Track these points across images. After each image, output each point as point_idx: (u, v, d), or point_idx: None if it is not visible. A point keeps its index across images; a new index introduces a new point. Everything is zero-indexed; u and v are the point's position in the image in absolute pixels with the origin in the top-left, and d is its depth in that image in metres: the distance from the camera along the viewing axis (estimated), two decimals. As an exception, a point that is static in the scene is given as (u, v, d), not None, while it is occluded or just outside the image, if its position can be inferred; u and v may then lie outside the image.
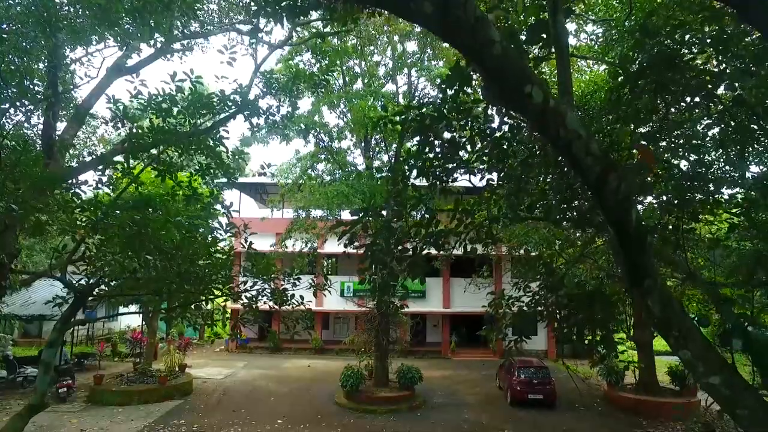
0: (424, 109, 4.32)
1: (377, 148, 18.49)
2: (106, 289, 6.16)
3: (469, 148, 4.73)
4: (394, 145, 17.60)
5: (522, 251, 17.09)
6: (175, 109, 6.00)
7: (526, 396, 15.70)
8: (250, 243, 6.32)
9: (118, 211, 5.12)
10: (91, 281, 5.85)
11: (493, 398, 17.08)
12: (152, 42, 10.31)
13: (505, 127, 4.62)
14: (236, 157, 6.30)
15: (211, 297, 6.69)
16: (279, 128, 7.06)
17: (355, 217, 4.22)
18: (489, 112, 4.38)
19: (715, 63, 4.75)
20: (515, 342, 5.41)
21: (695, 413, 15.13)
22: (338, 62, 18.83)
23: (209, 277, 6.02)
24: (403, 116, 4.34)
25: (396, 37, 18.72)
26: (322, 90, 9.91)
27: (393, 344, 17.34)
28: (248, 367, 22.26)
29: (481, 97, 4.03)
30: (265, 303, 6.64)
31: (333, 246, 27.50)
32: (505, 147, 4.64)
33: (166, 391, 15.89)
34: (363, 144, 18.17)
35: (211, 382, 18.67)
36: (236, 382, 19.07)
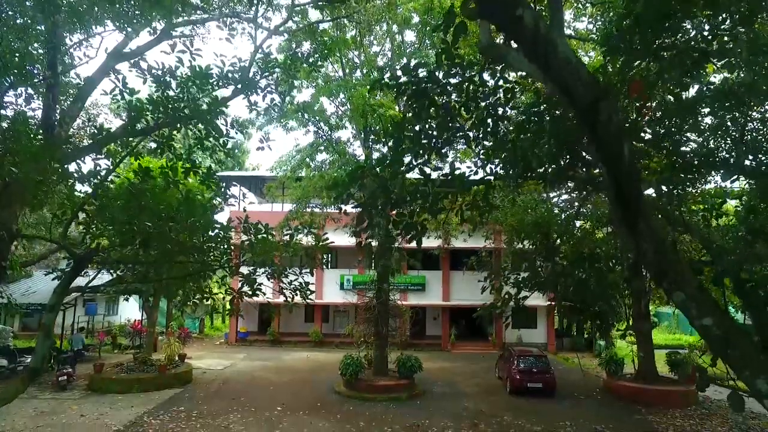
0: (420, 72, 4.33)
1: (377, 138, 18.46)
2: (105, 255, 6.14)
3: (464, 114, 4.75)
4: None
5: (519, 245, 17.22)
6: (174, 83, 6.03)
7: (525, 385, 15.72)
8: (247, 216, 6.28)
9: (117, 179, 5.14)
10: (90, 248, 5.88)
11: (493, 388, 17.11)
12: (151, 29, 10.34)
13: (500, 93, 4.65)
14: (235, 129, 6.29)
15: (210, 270, 6.68)
16: (277, 106, 7.05)
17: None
18: (483, 75, 4.40)
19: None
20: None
21: (694, 401, 15.20)
22: (337, 53, 18.90)
23: (208, 249, 6.01)
24: (399, 80, 4.36)
25: (395, 27, 18.76)
26: (321, 67, 9.84)
27: (393, 332, 17.36)
28: (248, 359, 22.33)
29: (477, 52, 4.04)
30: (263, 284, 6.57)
31: (333, 238, 27.60)
32: (500, 112, 4.66)
33: (166, 379, 15.93)
34: (362, 135, 18.18)
35: (210, 373, 18.72)
36: (236, 373, 19.12)
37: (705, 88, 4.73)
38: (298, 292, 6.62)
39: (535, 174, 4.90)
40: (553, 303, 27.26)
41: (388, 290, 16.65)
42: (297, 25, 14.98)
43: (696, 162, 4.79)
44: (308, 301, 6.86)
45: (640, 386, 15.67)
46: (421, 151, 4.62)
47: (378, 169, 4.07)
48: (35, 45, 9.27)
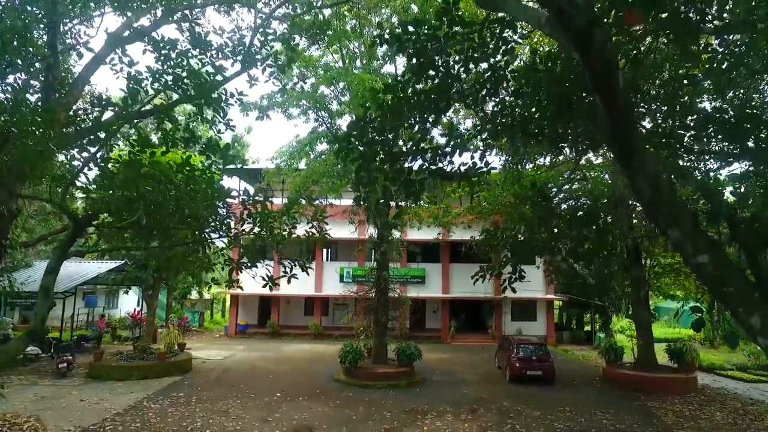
0: (422, 29, 4.32)
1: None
2: (103, 221, 6.15)
3: (464, 77, 4.76)
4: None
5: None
6: (173, 53, 6.03)
7: (524, 372, 15.74)
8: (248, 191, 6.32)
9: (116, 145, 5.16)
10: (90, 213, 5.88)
11: (492, 377, 17.13)
12: (152, 14, 10.35)
13: (498, 56, 4.65)
14: (235, 98, 6.27)
15: (209, 240, 6.68)
16: (277, 77, 7.05)
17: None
18: (483, 34, 4.41)
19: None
20: (511, 280, 5.37)
21: (693, 388, 15.22)
22: (337, 43, 18.91)
23: (207, 215, 6.00)
24: (400, 37, 4.36)
25: (395, 19, 18.74)
26: (321, 41, 9.80)
27: (392, 320, 17.37)
28: (247, 350, 22.36)
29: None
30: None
31: (333, 232, 27.62)
32: (499, 75, 4.67)
33: (166, 367, 15.95)
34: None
35: (210, 362, 18.76)
36: (235, 362, 19.15)
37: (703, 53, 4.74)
38: (296, 263, 6.57)
39: (534, 132, 4.89)
40: (554, 297, 27.41)
41: (387, 278, 16.67)
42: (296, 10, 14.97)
43: (694, 126, 4.79)
44: (307, 272, 6.80)
45: (639, 374, 15.68)
46: (420, 113, 4.63)
47: (378, 122, 4.08)
48: (35, 24, 9.27)
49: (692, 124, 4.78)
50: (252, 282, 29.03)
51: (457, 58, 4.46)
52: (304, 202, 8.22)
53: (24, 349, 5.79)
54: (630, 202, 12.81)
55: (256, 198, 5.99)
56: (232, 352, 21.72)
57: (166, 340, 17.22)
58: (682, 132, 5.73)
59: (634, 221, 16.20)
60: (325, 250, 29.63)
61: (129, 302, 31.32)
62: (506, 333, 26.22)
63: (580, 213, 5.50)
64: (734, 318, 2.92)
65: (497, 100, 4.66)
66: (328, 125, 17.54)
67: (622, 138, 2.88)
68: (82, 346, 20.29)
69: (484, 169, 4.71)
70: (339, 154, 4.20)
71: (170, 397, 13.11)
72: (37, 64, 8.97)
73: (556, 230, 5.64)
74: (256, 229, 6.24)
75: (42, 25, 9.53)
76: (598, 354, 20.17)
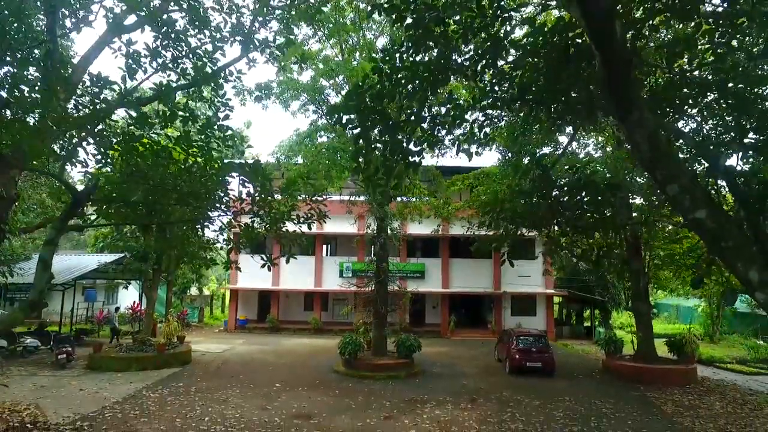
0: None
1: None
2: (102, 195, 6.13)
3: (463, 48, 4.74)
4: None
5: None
6: (172, 31, 6.02)
7: (524, 364, 15.74)
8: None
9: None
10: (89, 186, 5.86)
11: (492, 369, 17.12)
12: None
13: (497, 24, 4.64)
14: (234, 76, 6.26)
15: (210, 218, 6.67)
16: (275, 58, 7.03)
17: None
18: (481, 3, 4.39)
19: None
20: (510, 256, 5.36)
21: (693, 379, 15.22)
22: (337, 36, 18.90)
23: (206, 192, 5.99)
24: (398, 6, 4.34)
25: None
26: (318, 22, 9.74)
27: (392, 311, 17.36)
28: (247, 344, 22.37)
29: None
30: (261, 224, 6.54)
31: (333, 227, 27.65)
32: (498, 46, 4.65)
33: (165, 359, 15.94)
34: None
35: (209, 355, 18.75)
36: (235, 355, 19.16)
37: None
38: (296, 242, 6.55)
39: (532, 100, 4.86)
40: (553, 292, 27.40)
41: (387, 269, 16.67)
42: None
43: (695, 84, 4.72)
44: (311, 231, 6.69)
45: (639, 365, 15.68)
46: (419, 84, 4.62)
47: (376, 89, 4.06)
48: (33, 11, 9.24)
49: (691, 89, 4.75)
50: (251, 277, 29.11)
51: (455, 28, 4.45)
52: (302, 197, 8.14)
53: (23, 319, 5.79)
54: (628, 187, 12.78)
55: (257, 168, 5.95)
56: (231, 345, 21.73)
57: (166, 331, 17.23)
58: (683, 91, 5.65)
59: (634, 214, 16.19)
60: (324, 246, 29.65)
61: (129, 298, 31.30)
62: (506, 327, 26.26)
63: (580, 181, 5.46)
64: (732, 273, 2.90)
65: (496, 71, 4.64)
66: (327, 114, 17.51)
67: (620, 91, 2.87)
68: (81, 339, 20.29)
69: (483, 141, 4.72)
70: (337, 122, 4.19)
71: (169, 387, 13.11)
72: (36, 51, 8.96)
73: (554, 201, 5.64)
74: (255, 208, 6.22)
75: (40, 4, 9.48)
76: (598, 348, 20.17)
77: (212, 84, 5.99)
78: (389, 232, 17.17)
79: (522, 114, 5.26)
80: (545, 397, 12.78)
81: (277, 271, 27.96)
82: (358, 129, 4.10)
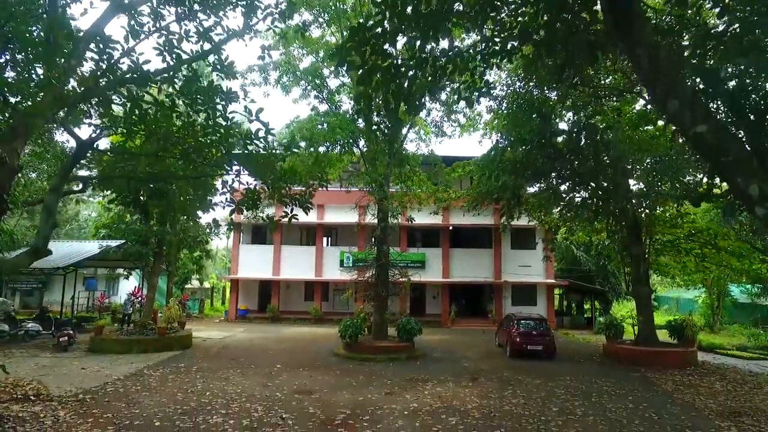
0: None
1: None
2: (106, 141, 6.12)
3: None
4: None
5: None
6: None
7: (525, 347, 15.76)
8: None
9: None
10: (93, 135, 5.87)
11: (493, 353, 17.15)
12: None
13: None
14: (236, 38, 6.24)
15: (213, 175, 6.64)
16: (278, 18, 6.99)
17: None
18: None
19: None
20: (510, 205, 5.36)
21: (693, 362, 15.24)
22: (338, 23, 18.91)
23: (208, 146, 5.99)
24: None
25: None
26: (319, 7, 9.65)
27: (393, 296, 17.38)
28: (247, 332, 22.43)
29: None
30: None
31: (333, 217, 27.71)
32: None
33: (166, 342, 15.98)
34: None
35: (210, 341, 18.81)
36: (235, 341, 19.20)
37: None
38: (297, 201, 6.55)
39: (533, 43, 4.85)
40: (554, 281, 27.41)
41: (388, 252, 16.68)
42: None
43: None
44: (307, 210, 6.75)
45: (639, 348, 15.70)
46: (421, 34, 4.62)
47: (380, 28, 4.06)
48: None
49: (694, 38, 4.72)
50: (252, 267, 29.15)
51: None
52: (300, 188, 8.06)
53: (28, 264, 5.82)
54: (628, 165, 12.79)
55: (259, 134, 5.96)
56: (232, 333, 21.80)
57: (167, 315, 17.25)
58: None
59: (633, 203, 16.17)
60: (325, 238, 29.69)
61: (130, 289, 31.35)
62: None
63: (580, 123, 5.43)
64: (732, 189, 2.91)
65: (498, 18, 4.64)
66: (326, 98, 17.52)
67: (621, 5, 2.87)
68: (82, 327, 20.32)
69: (484, 89, 4.72)
70: (341, 63, 4.20)
71: (170, 367, 13.14)
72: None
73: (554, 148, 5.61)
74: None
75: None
76: (599, 337, 20.22)
77: (217, 55, 5.98)
78: (389, 216, 17.17)
79: (522, 62, 5.27)
80: (546, 377, 12.80)
81: (277, 261, 28.02)
82: (361, 70, 4.11)
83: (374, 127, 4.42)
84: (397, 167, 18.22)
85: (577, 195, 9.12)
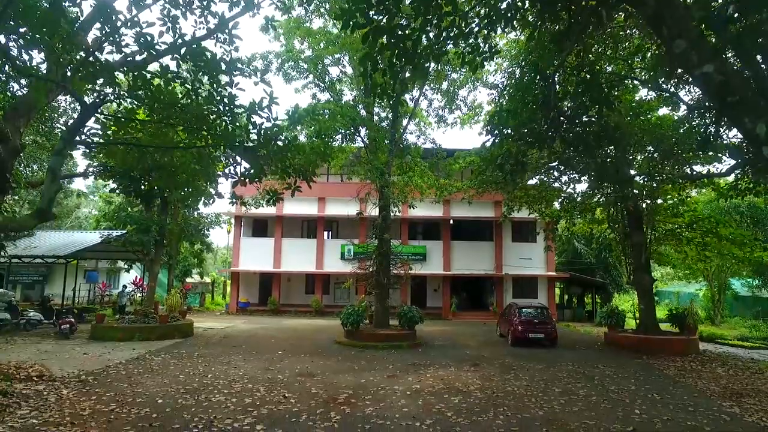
0: None
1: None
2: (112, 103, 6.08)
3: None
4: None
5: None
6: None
7: (527, 335, 15.77)
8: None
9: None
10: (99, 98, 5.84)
11: (495, 342, 17.15)
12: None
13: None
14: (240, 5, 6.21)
15: (217, 144, 6.60)
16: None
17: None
18: None
19: None
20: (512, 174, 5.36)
21: (694, 349, 15.24)
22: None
23: (212, 115, 5.96)
24: None
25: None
26: None
27: (395, 284, 17.38)
28: (248, 323, 22.45)
29: None
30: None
31: (333, 209, 27.70)
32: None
33: (167, 330, 16.00)
34: (364, 89, 18.15)
35: (211, 331, 18.81)
36: (237, 331, 19.22)
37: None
38: (300, 173, 6.53)
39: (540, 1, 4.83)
40: (554, 274, 27.40)
41: (389, 240, 16.67)
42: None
43: None
44: (309, 183, 6.72)
45: (641, 336, 15.70)
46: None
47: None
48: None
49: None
50: (253, 260, 29.15)
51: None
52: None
53: (33, 224, 5.82)
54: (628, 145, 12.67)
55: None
56: (233, 324, 21.81)
57: (168, 303, 17.26)
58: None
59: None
60: (326, 233, 29.67)
61: (130, 280, 31.39)
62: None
63: (584, 82, 5.42)
64: (739, 130, 2.90)
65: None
66: (327, 87, 17.50)
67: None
68: (83, 318, 20.34)
69: (488, 54, 4.70)
70: (344, 26, 4.19)
71: (172, 353, 13.15)
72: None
73: (557, 111, 5.61)
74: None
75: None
76: (600, 329, 20.20)
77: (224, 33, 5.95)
78: (390, 204, 17.14)
79: (527, 26, 5.24)
80: (548, 363, 12.80)
81: (278, 253, 28.03)
82: (366, 28, 4.09)
83: (378, 90, 4.36)
84: (398, 158, 18.21)
85: (582, 162, 9.09)
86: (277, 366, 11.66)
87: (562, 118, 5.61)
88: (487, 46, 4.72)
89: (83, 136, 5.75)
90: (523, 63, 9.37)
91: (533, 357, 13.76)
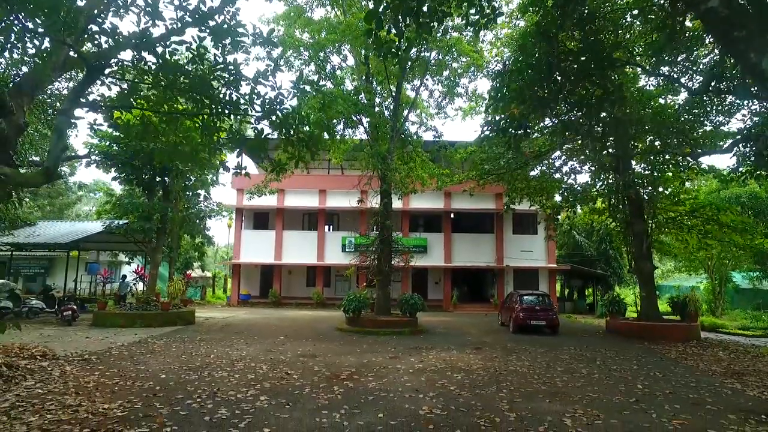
0: None
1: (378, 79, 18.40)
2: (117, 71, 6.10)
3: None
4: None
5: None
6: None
7: (528, 322, 15.80)
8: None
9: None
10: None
11: (496, 330, 17.18)
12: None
13: None
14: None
15: (221, 115, 6.59)
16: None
17: None
18: None
19: None
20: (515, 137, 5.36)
21: (695, 336, 15.26)
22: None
23: (216, 81, 5.95)
24: None
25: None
26: None
27: (396, 273, 17.39)
28: (249, 314, 22.46)
29: None
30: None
31: (335, 202, 27.72)
32: None
33: (169, 317, 16.02)
34: (364, 78, 18.16)
35: (213, 320, 18.84)
36: (238, 320, 19.25)
37: None
38: (305, 143, 6.52)
39: None
40: (555, 266, 27.41)
41: (390, 228, 16.69)
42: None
43: None
44: (314, 155, 6.69)
45: (642, 323, 15.72)
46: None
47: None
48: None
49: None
50: (254, 252, 29.18)
51: None
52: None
53: (40, 183, 5.86)
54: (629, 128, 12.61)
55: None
56: (234, 314, 21.84)
57: (170, 290, 17.29)
58: None
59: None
60: (327, 226, 29.69)
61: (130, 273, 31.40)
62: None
63: (586, 40, 5.40)
64: (744, 66, 2.91)
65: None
66: (329, 75, 17.51)
67: None
68: (84, 308, 20.38)
69: (491, 16, 4.72)
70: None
71: (174, 337, 13.18)
72: None
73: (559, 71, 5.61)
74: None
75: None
76: (602, 320, 20.24)
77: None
78: (392, 192, 17.14)
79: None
80: (550, 347, 12.82)
81: (279, 246, 28.05)
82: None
83: (383, 49, 4.32)
84: (399, 148, 18.22)
85: (585, 124, 9.07)
86: (279, 349, 11.68)
87: (563, 79, 5.61)
88: (489, 8, 4.73)
89: (89, 98, 5.78)
90: (527, 29, 9.35)
91: (535, 342, 13.78)
